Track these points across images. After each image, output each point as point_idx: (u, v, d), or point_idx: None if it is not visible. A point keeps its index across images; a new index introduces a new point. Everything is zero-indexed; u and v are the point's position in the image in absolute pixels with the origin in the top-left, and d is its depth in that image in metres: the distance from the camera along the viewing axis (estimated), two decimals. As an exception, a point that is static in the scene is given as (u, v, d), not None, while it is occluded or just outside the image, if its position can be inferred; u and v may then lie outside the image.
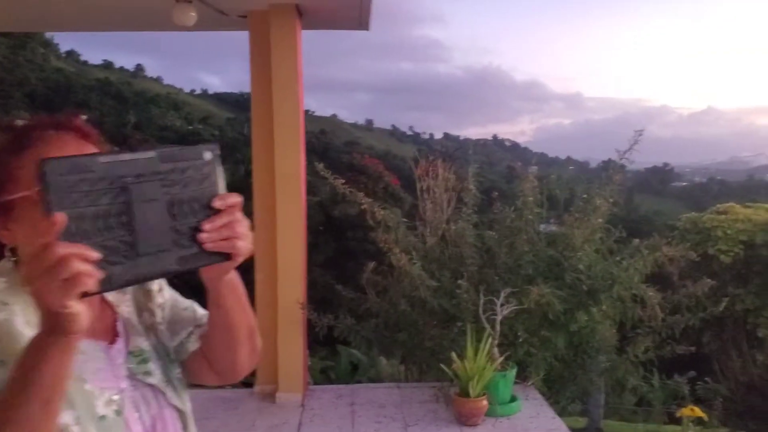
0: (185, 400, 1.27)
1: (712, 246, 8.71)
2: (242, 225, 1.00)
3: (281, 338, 4.65)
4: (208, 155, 0.99)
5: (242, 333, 1.22)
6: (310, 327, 4.98)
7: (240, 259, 1.02)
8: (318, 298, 6.90)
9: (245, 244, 1.01)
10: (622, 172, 5.38)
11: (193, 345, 1.30)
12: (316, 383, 8.49)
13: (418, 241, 5.41)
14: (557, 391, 5.16)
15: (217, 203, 0.98)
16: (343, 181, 5.11)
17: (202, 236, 0.96)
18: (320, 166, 4.98)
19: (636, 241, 5.29)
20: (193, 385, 1.34)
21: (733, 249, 8.64)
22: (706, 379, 9.50)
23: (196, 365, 1.31)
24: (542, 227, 5.36)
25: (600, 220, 4.96)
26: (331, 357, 11.19)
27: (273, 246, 4.57)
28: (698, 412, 4.31)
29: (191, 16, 4.31)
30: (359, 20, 4.82)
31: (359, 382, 8.57)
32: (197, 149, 0.98)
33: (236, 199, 1.01)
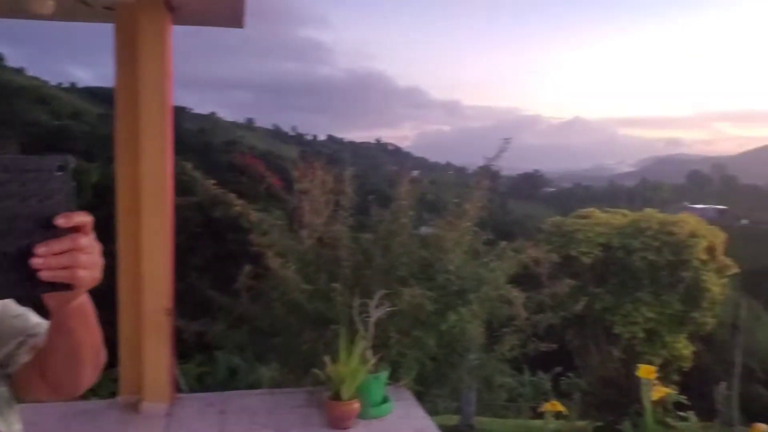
0: (11, 422, 1.16)
1: (575, 248, 9.28)
2: (87, 251, 0.88)
3: (146, 347, 4.44)
4: (57, 168, 0.86)
5: (86, 353, 1.13)
6: (182, 334, 4.81)
7: (82, 291, 0.93)
8: (193, 303, 6.67)
9: (89, 273, 0.89)
10: (490, 178, 5.59)
11: (25, 357, 1.20)
12: (192, 390, 8.19)
13: (295, 243, 5.36)
14: (429, 391, 5.29)
15: (59, 222, 0.85)
16: (215, 182, 4.97)
17: (36, 262, 0.84)
18: (189, 166, 4.81)
19: (503, 243, 5.53)
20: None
21: (593, 251, 9.25)
22: (569, 374, 10.12)
23: (27, 379, 1.20)
24: (423, 230, 5.50)
25: (469, 223, 5.13)
26: (209, 363, 10.89)
27: (137, 250, 4.36)
28: (558, 406, 4.56)
29: (48, 4, 4.03)
30: (233, 17, 4.71)
31: (237, 388, 8.40)
32: (46, 160, 0.86)
33: (83, 218, 0.88)
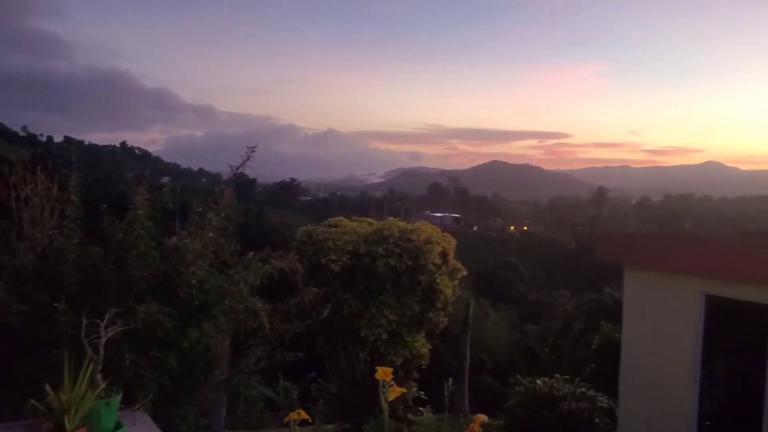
0: None
1: (324, 256, 9.52)
2: None
3: None
4: None
5: None
6: None
7: None
8: None
9: None
10: (246, 186, 5.48)
11: None
12: None
13: (9, 259, 4.72)
14: (170, 411, 4.99)
15: None
16: None
17: None
18: None
19: (250, 254, 5.44)
20: None
21: (341, 258, 9.56)
22: (319, 379, 10.36)
23: None
24: (173, 240, 5.16)
25: (212, 234, 4.96)
26: None
27: None
28: (303, 415, 4.57)
29: None
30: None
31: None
32: None
33: None
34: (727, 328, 8.28)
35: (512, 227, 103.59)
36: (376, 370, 3.84)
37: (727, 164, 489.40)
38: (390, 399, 4.09)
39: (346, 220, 10.73)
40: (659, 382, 8.29)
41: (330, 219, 10.74)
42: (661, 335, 8.33)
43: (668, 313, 8.24)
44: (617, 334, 11.50)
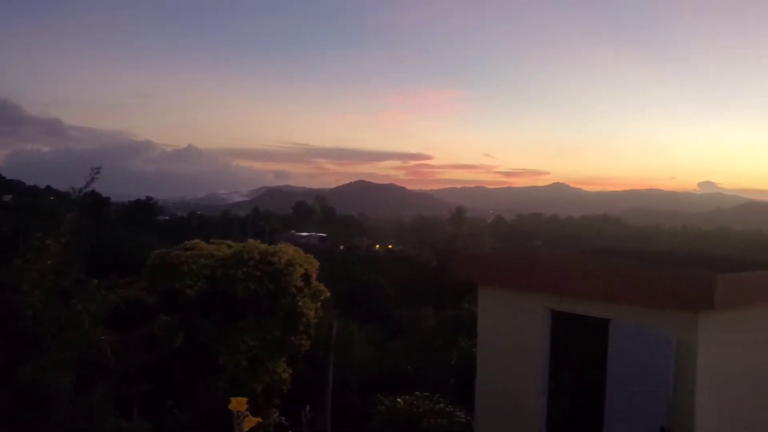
0: None
1: (179, 281, 9.12)
2: None
3: None
4: None
5: None
6: None
7: None
8: None
9: None
10: (97, 206, 5.15)
11: None
12: None
13: None
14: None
15: None
16: None
17: None
18: None
19: (95, 281, 5.11)
20: None
21: (197, 283, 9.21)
22: (175, 410, 9.85)
23: None
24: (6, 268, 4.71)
25: (50, 261, 4.61)
26: None
27: None
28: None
29: None
30: None
31: None
32: None
33: None
34: (574, 342, 8.88)
35: (378, 246, 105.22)
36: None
37: (573, 186, 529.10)
38: (246, 429, 3.98)
39: (203, 242, 10.36)
40: (511, 396, 8.70)
41: (186, 242, 10.31)
42: (512, 350, 8.75)
43: (518, 329, 8.69)
44: (475, 350, 11.97)
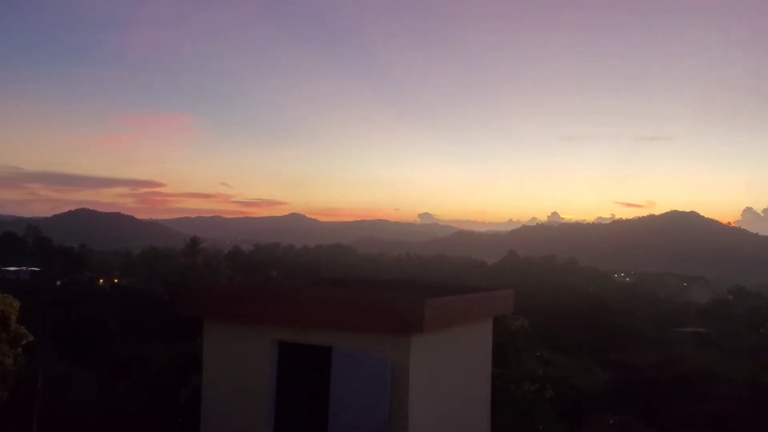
0: None
1: None
2: None
3: None
4: None
5: None
6: None
7: None
8: None
9: None
10: None
11: None
12: None
13: None
14: None
15: None
16: None
17: None
18: None
19: None
20: None
21: None
22: None
23: None
24: None
25: None
26: None
27: None
28: None
29: None
30: None
31: None
32: None
33: None
34: (306, 369, 9.04)
35: (101, 280, 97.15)
36: None
37: (309, 216, 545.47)
38: None
39: None
40: (240, 430, 8.50)
41: None
42: (239, 385, 8.57)
43: (246, 363, 8.57)
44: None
